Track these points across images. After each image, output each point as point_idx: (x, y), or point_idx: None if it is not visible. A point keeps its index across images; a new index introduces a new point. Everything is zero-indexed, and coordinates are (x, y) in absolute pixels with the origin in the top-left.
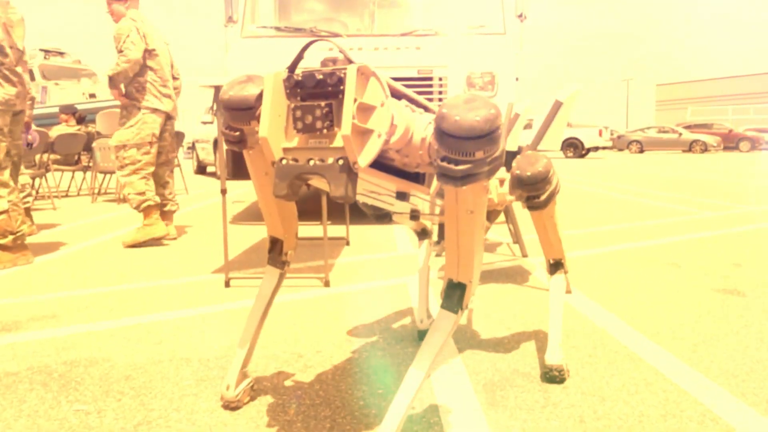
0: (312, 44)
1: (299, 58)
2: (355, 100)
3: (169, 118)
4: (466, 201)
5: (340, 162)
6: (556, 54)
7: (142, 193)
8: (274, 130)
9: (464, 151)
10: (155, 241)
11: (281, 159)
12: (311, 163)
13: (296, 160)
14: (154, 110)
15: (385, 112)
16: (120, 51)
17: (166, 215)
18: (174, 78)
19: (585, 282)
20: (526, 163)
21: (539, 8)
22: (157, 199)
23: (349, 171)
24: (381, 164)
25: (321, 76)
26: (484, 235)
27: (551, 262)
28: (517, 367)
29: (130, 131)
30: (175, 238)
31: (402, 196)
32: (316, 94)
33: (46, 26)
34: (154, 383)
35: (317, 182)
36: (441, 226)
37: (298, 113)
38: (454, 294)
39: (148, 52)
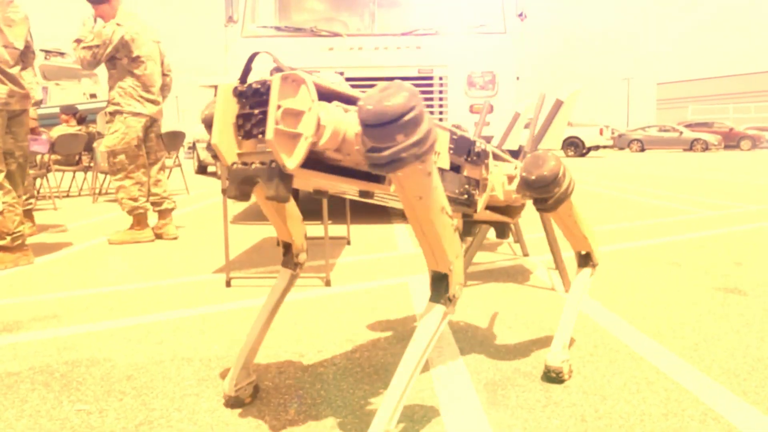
0: (257, 55)
1: (247, 69)
2: (279, 107)
3: (153, 120)
4: (410, 188)
5: (273, 165)
6: (557, 53)
7: (135, 199)
8: (225, 137)
9: (384, 137)
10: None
11: (233, 163)
12: (253, 166)
13: (246, 164)
14: (136, 114)
15: (312, 116)
16: (89, 47)
17: (164, 214)
18: (164, 75)
19: None
20: (533, 165)
21: (539, 7)
22: (148, 206)
23: (281, 173)
24: (339, 167)
25: (258, 86)
26: (450, 220)
27: (581, 254)
28: (518, 366)
29: (115, 137)
30: (176, 238)
31: (365, 194)
32: (256, 103)
33: (46, 27)
34: (156, 383)
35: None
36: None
37: (240, 121)
38: (440, 285)
39: (132, 60)
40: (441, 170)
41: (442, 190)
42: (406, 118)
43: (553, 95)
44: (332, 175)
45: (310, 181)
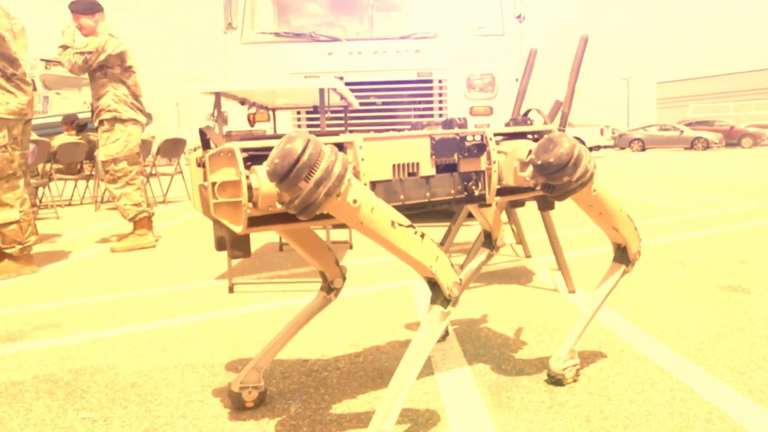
0: (205, 131)
1: (204, 141)
2: (215, 183)
3: (143, 128)
4: (346, 219)
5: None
6: (556, 54)
7: (138, 204)
8: (199, 202)
9: (289, 188)
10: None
11: (217, 222)
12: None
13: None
14: (135, 122)
15: (244, 186)
16: (82, 52)
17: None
18: None
19: (589, 281)
20: (543, 148)
21: (538, 8)
22: (150, 210)
23: (235, 236)
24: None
25: (203, 161)
26: (407, 230)
27: (618, 246)
28: (522, 367)
29: (118, 145)
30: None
31: (340, 226)
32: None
33: (46, 36)
34: (160, 390)
35: None
36: (446, 234)
37: (201, 190)
38: (435, 287)
39: (125, 69)
40: (427, 178)
41: (384, 205)
42: (298, 166)
43: (553, 96)
44: (294, 222)
45: (283, 228)
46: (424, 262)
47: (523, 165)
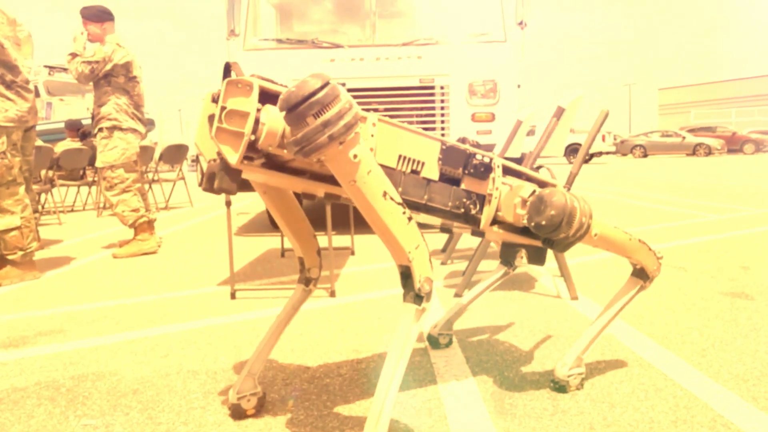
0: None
1: (226, 75)
2: (224, 108)
3: (142, 138)
4: (340, 172)
5: (217, 160)
6: (558, 60)
7: (137, 210)
8: (204, 136)
9: (296, 121)
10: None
11: (212, 159)
12: (216, 161)
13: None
14: (134, 131)
15: (252, 117)
16: (89, 62)
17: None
18: None
19: (591, 287)
20: (535, 209)
21: (540, 15)
22: (149, 215)
23: (227, 167)
24: (311, 172)
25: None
26: (398, 207)
27: (636, 266)
28: (525, 374)
29: (115, 152)
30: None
31: (330, 197)
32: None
33: (49, 42)
34: (162, 397)
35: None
36: (448, 240)
37: (211, 121)
38: (407, 282)
39: (129, 79)
40: (428, 180)
41: (383, 176)
42: (312, 99)
43: (555, 102)
44: (288, 175)
45: (271, 180)
46: (404, 246)
47: (524, 203)
